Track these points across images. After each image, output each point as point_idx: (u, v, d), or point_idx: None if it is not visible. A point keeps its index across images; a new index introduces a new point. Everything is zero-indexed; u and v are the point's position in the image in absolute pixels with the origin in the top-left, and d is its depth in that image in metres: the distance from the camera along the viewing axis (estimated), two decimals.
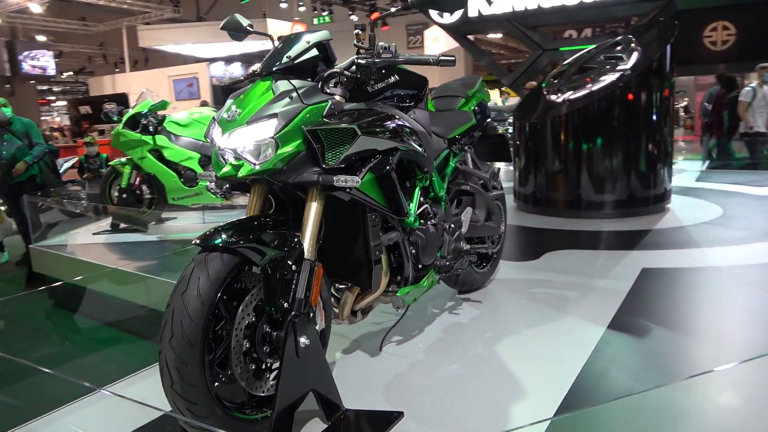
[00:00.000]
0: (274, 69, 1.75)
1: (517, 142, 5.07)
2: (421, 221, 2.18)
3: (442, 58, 1.85)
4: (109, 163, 5.29)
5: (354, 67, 1.83)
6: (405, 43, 20.53)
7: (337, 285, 2.09)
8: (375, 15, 17.52)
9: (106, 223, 5.04)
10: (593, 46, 5.08)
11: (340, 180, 1.68)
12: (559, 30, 12.61)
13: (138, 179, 4.92)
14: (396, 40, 1.99)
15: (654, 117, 4.63)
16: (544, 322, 2.57)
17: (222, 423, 1.56)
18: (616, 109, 4.56)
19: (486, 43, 17.30)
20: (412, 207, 2.09)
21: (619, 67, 4.55)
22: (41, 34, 18.43)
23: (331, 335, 2.46)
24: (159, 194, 4.86)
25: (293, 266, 1.66)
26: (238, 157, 1.66)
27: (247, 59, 20.95)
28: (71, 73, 26.32)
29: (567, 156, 4.70)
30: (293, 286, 1.65)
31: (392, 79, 2.03)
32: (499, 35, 17.17)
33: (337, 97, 1.81)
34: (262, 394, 1.70)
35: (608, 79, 4.52)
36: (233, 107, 1.70)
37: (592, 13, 9.34)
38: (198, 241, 1.58)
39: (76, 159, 8.32)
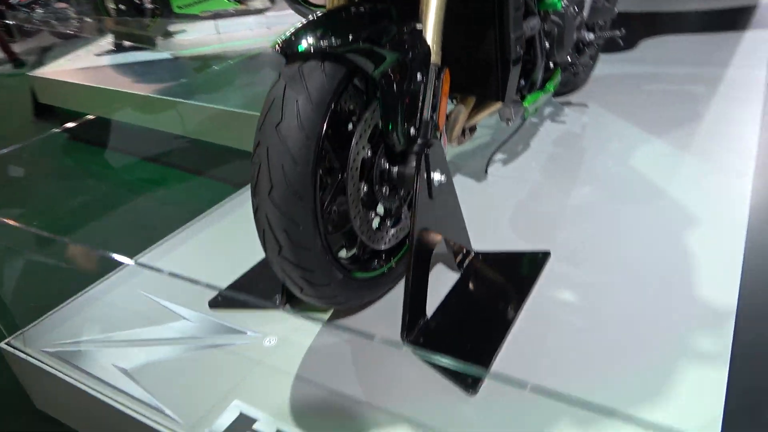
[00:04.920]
0: None
1: None
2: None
3: None
4: None
5: None
6: None
7: None
8: None
9: (106, 41, 4.34)
10: None
11: None
12: None
13: None
14: None
15: None
16: (685, 120, 2.09)
17: (342, 288, 1.21)
18: None
19: None
20: None
21: None
22: None
23: None
24: (161, 2, 4.10)
25: (419, 74, 1.16)
26: None
27: None
28: None
29: None
30: (419, 104, 1.17)
31: None
32: None
33: None
34: (383, 248, 1.32)
35: None
36: None
37: None
38: (282, 46, 1.05)
39: None
